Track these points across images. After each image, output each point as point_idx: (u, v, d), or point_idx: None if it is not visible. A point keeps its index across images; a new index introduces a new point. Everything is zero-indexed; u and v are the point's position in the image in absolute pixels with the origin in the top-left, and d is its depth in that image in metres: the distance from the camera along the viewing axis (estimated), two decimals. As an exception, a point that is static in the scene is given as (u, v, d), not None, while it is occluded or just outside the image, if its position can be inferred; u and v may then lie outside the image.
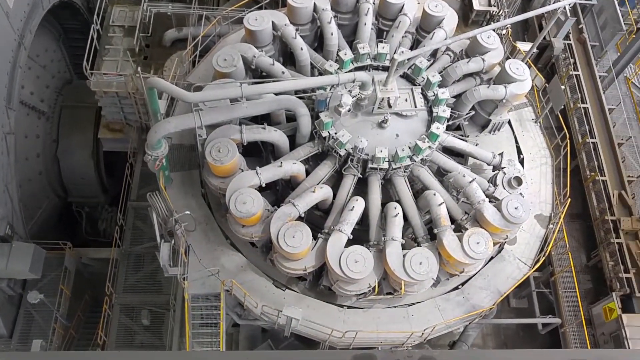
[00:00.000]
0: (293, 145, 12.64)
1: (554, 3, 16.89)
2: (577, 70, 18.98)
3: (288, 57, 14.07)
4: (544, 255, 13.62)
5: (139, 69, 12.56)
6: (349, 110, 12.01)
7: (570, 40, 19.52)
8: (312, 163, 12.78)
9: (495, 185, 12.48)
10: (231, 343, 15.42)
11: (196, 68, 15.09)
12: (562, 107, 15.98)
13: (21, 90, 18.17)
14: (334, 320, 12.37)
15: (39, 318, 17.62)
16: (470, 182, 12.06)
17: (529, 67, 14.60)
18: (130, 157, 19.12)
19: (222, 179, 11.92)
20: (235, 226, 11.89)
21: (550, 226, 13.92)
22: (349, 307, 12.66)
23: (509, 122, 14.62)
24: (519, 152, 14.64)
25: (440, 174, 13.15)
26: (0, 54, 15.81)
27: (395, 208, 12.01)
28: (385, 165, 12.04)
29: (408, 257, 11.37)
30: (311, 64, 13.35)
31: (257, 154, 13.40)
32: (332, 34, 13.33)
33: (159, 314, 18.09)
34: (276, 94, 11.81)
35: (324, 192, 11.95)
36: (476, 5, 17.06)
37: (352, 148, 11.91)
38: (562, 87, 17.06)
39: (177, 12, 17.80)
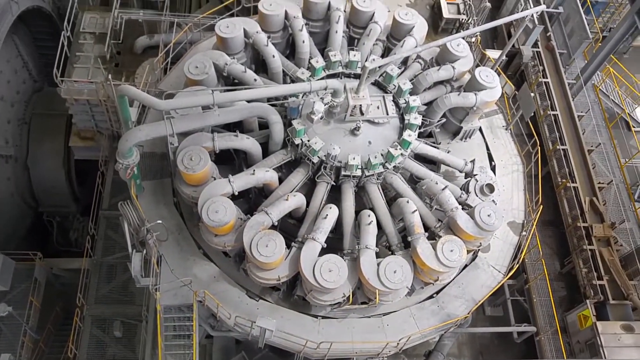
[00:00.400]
0: (266, 152, 12.60)
1: (522, 11, 17.21)
2: (546, 78, 19.30)
3: (260, 65, 14.04)
4: (517, 263, 13.68)
5: (110, 76, 12.40)
6: (321, 118, 12.01)
7: (538, 47, 19.86)
8: (285, 171, 12.75)
9: (467, 192, 12.57)
10: (204, 355, 15.26)
11: (167, 75, 14.97)
12: (532, 114, 16.22)
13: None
14: (308, 331, 12.29)
15: (7, 331, 17.26)
16: (443, 189, 12.14)
17: (499, 74, 14.79)
18: (101, 166, 18.88)
19: (195, 188, 11.82)
20: (207, 235, 11.79)
21: (524, 233, 14.02)
22: (324, 317, 12.59)
23: (480, 130, 14.77)
24: (491, 159, 14.77)
25: (413, 181, 13.20)
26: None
27: (369, 216, 12.02)
28: (358, 172, 12.07)
29: (382, 266, 11.36)
30: (283, 71, 13.34)
31: (230, 161, 13.31)
32: (303, 42, 13.34)
33: (131, 325, 17.83)
34: (248, 102, 11.77)
35: (297, 200, 11.92)
36: (446, 14, 17.24)
37: (324, 155, 11.91)
38: (532, 94, 17.33)
39: (149, 19, 17.68)
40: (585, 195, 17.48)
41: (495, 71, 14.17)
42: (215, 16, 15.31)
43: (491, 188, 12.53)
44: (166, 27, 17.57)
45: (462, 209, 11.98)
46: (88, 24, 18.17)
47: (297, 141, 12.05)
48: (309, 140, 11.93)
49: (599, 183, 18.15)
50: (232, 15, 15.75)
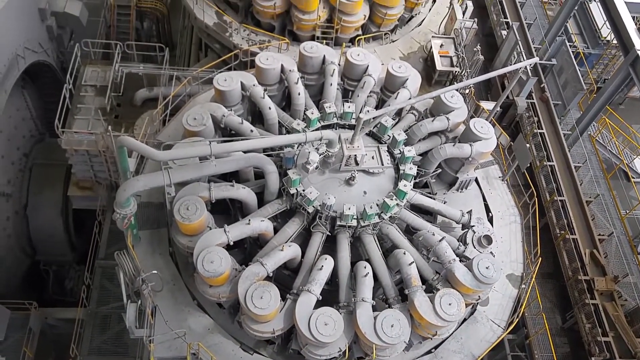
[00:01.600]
0: (261, 202, 12.63)
1: (515, 63, 17.53)
2: (542, 129, 19.45)
3: (257, 116, 14.25)
4: (517, 317, 13.41)
5: (110, 127, 12.63)
6: (316, 168, 12.10)
7: (533, 99, 20.11)
8: (280, 220, 12.75)
9: (465, 244, 12.52)
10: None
11: (166, 127, 15.18)
12: (529, 165, 16.27)
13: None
14: (303, 385, 12.03)
15: (0, 383, 16.94)
16: (440, 240, 12.06)
17: (494, 125, 14.96)
18: (99, 215, 18.91)
19: (190, 238, 11.80)
20: (202, 286, 11.70)
21: (523, 286, 13.83)
22: (319, 371, 12.35)
23: (476, 180, 14.83)
24: (488, 210, 14.76)
25: (410, 232, 13.16)
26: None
27: (365, 267, 11.91)
28: (354, 222, 12.05)
29: (379, 320, 11.18)
30: (279, 122, 13.51)
31: (226, 211, 13.34)
32: (299, 94, 13.58)
33: (124, 378, 17.51)
34: (245, 152, 11.89)
35: (292, 251, 11.88)
36: (439, 66, 17.57)
37: (320, 205, 11.93)
38: (528, 145, 17.45)
39: (149, 72, 18.06)
40: (586, 247, 17.17)
41: (490, 122, 14.34)
42: (214, 70, 15.63)
43: (489, 240, 12.48)
44: (166, 80, 17.94)
45: (460, 261, 11.89)
46: (90, 77, 18.55)
47: (293, 191, 12.11)
48: (304, 190, 11.98)
49: (599, 235, 17.81)
50: (230, 69, 16.12)
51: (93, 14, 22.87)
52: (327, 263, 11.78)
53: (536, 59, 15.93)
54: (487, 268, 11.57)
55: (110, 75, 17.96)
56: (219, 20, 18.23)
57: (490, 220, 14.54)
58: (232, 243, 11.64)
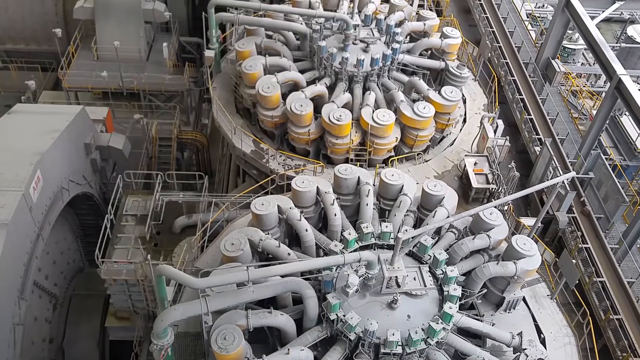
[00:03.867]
0: (300, 329, 12.21)
1: (551, 178, 17.37)
2: (587, 243, 18.82)
3: (294, 239, 14.21)
4: None
5: (149, 256, 12.72)
6: (356, 291, 11.77)
7: (574, 213, 19.69)
8: (320, 349, 12.21)
9: (518, 368, 11.76)
10: None
11: (204, 253, 15.21)
12: (577, 281, 15.61)
13: (37, 273, 18.23)
14: None
15: None
16: (491, 365, 11.37)
17: (536, 242, 14.58)
18: (135, 346, 18.52)
19: (228, 369, 11.34)
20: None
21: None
22: None
23: (524, 299, 14.19)
24: (539, 331, 13.96)
25: (459, 357, 12.46)
26: (20, 246, 16.12)
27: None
28: (399, 349, 11.44)
29: None
30: (316, 244, 13.43)
31: (264, 340, 12.90)
32: (335, 215, 13.58)
33: None
34: (282, 276, 11.71)
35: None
36: (474, 184, 17.54)
37: (362, 331, 11.45)
38: (574, 261, 16.85)
39: (188, 200, 18.46)
40: (652, 370, 15.97)
41: (533, 239, 13.97)
42: (251, 195, 15.89)
43: (543, 363, 11.70)
44: (204, 207, 18.27)
45: (514, 386, 11.10)
46: (130, 206, 19.05)
47: (333, 316, 11.70)
48: (344, 315, 11.57)
49: (666, 355, 16.63)
50: (266, 193, 16.37)
51: (135, 147, 23.93)
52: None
53: (573, 174, 15.79)
54: (545, 394, 10.73)
55: (150, 205, 18.40)
56: (256, 148, 18.83)
57: (543, 342, 13.69)
58: (270, 374, 11.12)
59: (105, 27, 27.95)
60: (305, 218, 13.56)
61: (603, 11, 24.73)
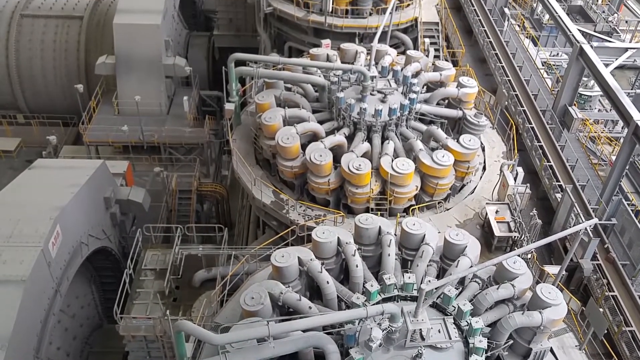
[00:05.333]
0: (323, 385, 11.91)
1: (574, 225, 17.13)
2: (613, 291, 18.38)
3: (315, 291, 14.00)
4: None
5: (168, 311, 12.62)
6: (380, 345, 11.50)
7: (598, 260, 19.31)
8: (344, 405, 11.89)
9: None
10: None
11: (224, 308, 15.01)
12: (606, 331, 15.17)
13: (55, 330, 18.11)
14: None
15: None
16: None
17: (562, 290, 14.27)
18: (154, 404, 18.20)
19: None
20: None
21: None
22: None
23: (552, 351, 13.76)
24: (568, 383, 13.54)
25: (485, 411, 12.04)
26: (37, 303, 16.08)
27: None
28: (424, 404, 11.14)
29: None
30: (338, 297, 13.21)
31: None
32: (357, 266, 13.41)
33: None
34: (304, 331, 11.50)
35: None
36: (497, 232, 17.36)
37: (386, 386, 11.16)
38: (601, 309, 16.42)
39: (207, 253, 18.42)
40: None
41: (557, 287, 13.65)
42: (271, 247, 15.84)
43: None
44: (224, 260, 18.20)
45: None
46: (150, 261, 19.05)
47: (356, 371, 11.42)
48: (368, 370, 11.30)
49: None
50: (287, 244, 16.27)
51: (155, 200, 24.12)
52: None
53: (595, 220, 15.56)
54: None
55: (169, 259, 18.37)
56: (276, 199, 18.86)
57: (574, 395, 13.24)
58: None
59: (126, 82, 28.65)
60: (326, 270, 13.40)
61: (616, 59, 24.82)
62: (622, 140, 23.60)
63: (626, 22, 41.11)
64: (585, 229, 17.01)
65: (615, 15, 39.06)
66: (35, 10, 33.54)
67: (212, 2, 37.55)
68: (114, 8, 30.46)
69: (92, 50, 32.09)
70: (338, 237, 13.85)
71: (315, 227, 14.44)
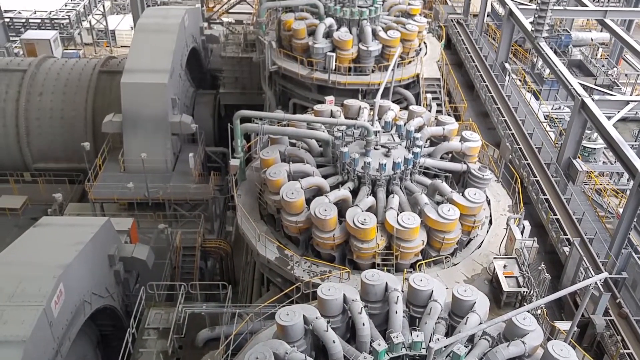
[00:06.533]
0: None
1: (583, 280, 16.84)
2: (628, 348, 17.89)
3: (321, 350, 13.69)
4: None
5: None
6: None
7: (611, 315, 18.89)
8: None
9: None
10: None
11: (228, 368, 14.69)
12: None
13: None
14: None
15: None
16: None
17: (574, 347, 13.87)
18: None
19: None
20: None
21: None
22: None
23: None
24: None
25: None
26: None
27: None
28: None
29: None
30: (344, 356, 12.89)
31: None
32: (364, 325, 13.16)
33: None
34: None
35: None
36: (505, 287, 17.10)
37: None
38: (616, 366, 16.00)
39: (211, 312, 18.13)
40: None
41: (570, 344, 13.31)
42: (276, 304, 15.57)
43: None
44: (228, 319, 17.88)
45: None
46: (153, 319, 18.75)
47: None
48: None
49: None
50: (292, 302, 16.01)
51: (159, 257, 23.95)
52: None
53: (605, 274, 15.33)
54: None
55: (173, 317, 18.08)
56: (281, 255, 18.70)
57: None
58: None
59: (132, 140, 28.96)
60: (332, 328, 13.16)
61: (618, 111, 25.04)
62: (628, 192, 23.57)
63: (626, 75, 41.82)
64: (596, 283, 16.72)
65: (615, 68, 39.70)
66: (46, 70, 34.30)
67: (219, 62, 38.31)
68: (121, 67, 31.10)
69: (99, 109, 32.59)
70: (344, 294, 13.66)
71: (320, 284, 14.26)
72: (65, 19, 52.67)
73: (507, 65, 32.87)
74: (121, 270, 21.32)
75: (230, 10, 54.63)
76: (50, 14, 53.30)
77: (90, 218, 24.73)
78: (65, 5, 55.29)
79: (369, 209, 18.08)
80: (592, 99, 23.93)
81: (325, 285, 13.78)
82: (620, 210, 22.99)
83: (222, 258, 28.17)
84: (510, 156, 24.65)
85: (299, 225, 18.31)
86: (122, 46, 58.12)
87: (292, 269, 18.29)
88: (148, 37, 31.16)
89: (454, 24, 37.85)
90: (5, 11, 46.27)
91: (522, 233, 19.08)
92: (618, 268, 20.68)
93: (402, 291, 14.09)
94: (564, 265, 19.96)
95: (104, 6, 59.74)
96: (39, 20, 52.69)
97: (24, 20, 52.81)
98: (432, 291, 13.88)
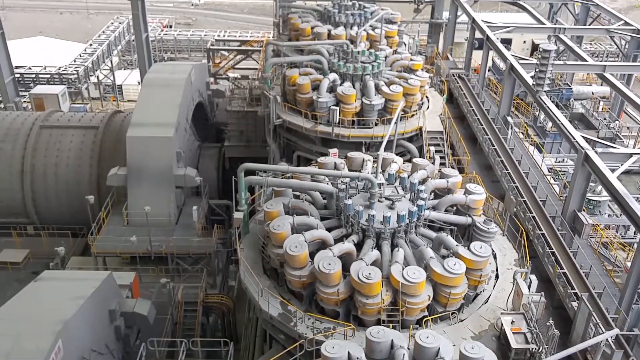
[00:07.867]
0: None
1: (594, 336, 16.47)
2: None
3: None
4: None
5: None
6: None
7: (625, 373, 18.36)
8: None
9: None
10: None
11: None
12: None
13: None
14: None
15: None
16: None
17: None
18: None
19: None
20: None
21: None
22: None
23: None
24: None
25: None
26: None
27: None
28: None
29: None
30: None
31: None
32: (369, 384, 12.78)
33: None
34: None
35: None
36: (514, 344, 16.73)
37: None
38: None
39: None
40: None
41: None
42: None
43: None
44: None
45: None
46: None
47: None
48: None
49: None
50: None
51: (160, 312, 23.60)
52: None
53: (616, 331, 15.01)
54: None
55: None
56: (284, 310, 18.38)
57: None
58: None
59: (137, 193, 29.03)
60: (336, 387, 12.80)
61: (622, 164, 25.01)
62: (636, 245, 23.24)
63: (628, 128, 42.04)
64: (607, 340, 16.33)
65: (617, 121, 39.95)
66: (54, 122, 34.74)
67: (224, 115, 38.85)
68: (127, 121, 31.47)
69: (105, 162, 32.81)
70: (349, 352, 13.38)
71: (324, 341, 13.97)
72: (73, 74, 53.76)
73: (509, 118, 33.09)
74: (122, 325, 20.98)
75: (236, 66, 55.79)
76: (59, 69, 54.48)
77: (92, 272, 24.52)
78: (75, 61, 56.52)
79: (374, 263, 17.88)
80: (596, 152, 23.94)
81: (330, 343, 13.51)
82: (629, 264, 22.64)
83: (224, 313, 27.74)
84: (515, 209, 24.50)
85: (303, 280, 18.07)
86: (128, 100, 59.12)
87: (295, 325, 17.94)
88: (155, 92, 31.70)
89: (455, 79, 38.37)
90: (16, 67, 47.24)
91: (529, 288, 18.78)
92: (629, 324, 20.20)
93: (409, 348, 13.76)
94: (572, 320, 19.53)
95: (111, 62, 61.06)
96: (48, 76, 53.78)
97: (33, 76, 53.92)
98: (439, 348, 13.59)
